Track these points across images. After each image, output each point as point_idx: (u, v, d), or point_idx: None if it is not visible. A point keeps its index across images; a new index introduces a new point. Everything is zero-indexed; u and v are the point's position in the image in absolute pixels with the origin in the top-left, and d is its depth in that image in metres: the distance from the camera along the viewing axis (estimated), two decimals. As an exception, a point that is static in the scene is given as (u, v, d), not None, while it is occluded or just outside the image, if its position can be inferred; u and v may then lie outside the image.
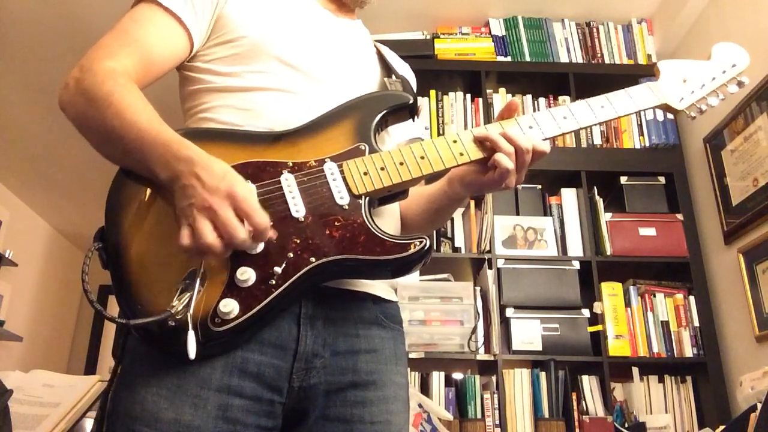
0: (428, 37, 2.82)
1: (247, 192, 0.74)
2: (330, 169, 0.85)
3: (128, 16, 0.92)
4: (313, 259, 0.79)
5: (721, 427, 1.72)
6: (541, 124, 0.93)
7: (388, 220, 0.96)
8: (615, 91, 0.98)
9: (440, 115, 2.71)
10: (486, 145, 0.90)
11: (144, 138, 0.78)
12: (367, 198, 0.84)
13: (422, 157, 0.88)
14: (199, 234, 0.72)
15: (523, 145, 0.89)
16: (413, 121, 1.00)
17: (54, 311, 4.98)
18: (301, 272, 0.78)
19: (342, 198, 0.83)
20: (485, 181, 0.92)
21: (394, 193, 0.89)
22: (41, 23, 2.81)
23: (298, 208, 0.81)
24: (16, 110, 3.43)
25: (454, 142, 0.90)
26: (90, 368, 4.95)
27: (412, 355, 2.27)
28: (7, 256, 4.00)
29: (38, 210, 4.74)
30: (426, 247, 0.80)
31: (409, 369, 2.26)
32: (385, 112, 0.92)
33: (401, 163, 0.87)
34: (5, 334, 3.98)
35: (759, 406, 1.43)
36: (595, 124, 0.96)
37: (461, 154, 0.90)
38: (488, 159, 0.90)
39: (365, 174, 0.85)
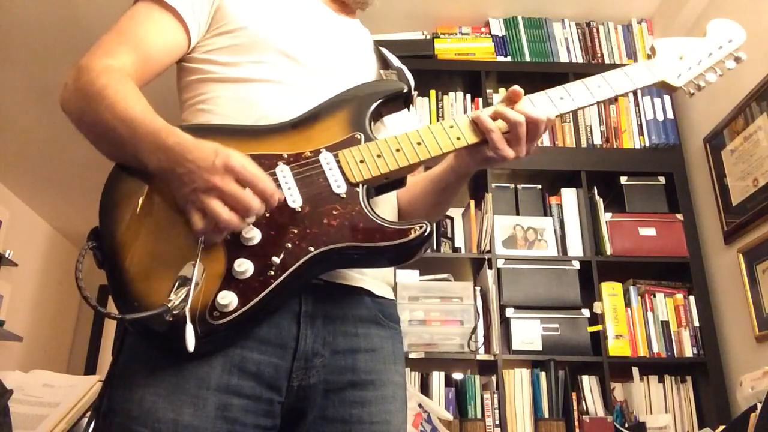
0: (428, 37, 2.82)
1: (244, 161, 0.74)
2: (326, 158, 0.84)
3: (126, 15, 0.93)
4: (311, 249, 0.78)
5: (721, 427, 1.72)
6: (537, 105, 0.92)
7: (386, 209, 0.95)
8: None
9: (440, 115, 2.71)
10: (479, 127, 0.89)
11: (136, 129, 0.79)
12: (365, 186, 0.84)
13: (419, 143, 0.88)
14: (214, 214, 0.72)
15: (513, 117, 0.87)
16: (408, 110, 1.00)
17: (54, 311, 4.98)
18: (300, 262, 0.77)
19: (339, 187, 0.82)
20: (491, 156, 0.90)
21: (392, 182, 0.88)
22: (42, 24, 2.81)
23: (294, 198, 0.81)
24: (17, 110, 3.43)
25: (451, 127, 0.90)
26: (90, 368, 4.95)
27: (412, 355, 2.26)
28: (7, 256, 4.00)
29: (38, 210, 4.74)
30: (426, 232, 0.79)
31: (409, 369, 2.29)
32: (380, 101, 0.92)
33: (398, 150, 0.86)
34: (5, 334, 3.98)
35: (759, 406, 1.43)
36: (593, 104, 0.94)
37: (458, 139, 0.89)
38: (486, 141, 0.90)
39: (362, 162, 0.85)
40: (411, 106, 0.99)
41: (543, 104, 0.92)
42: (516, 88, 0.92)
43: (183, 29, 0.93)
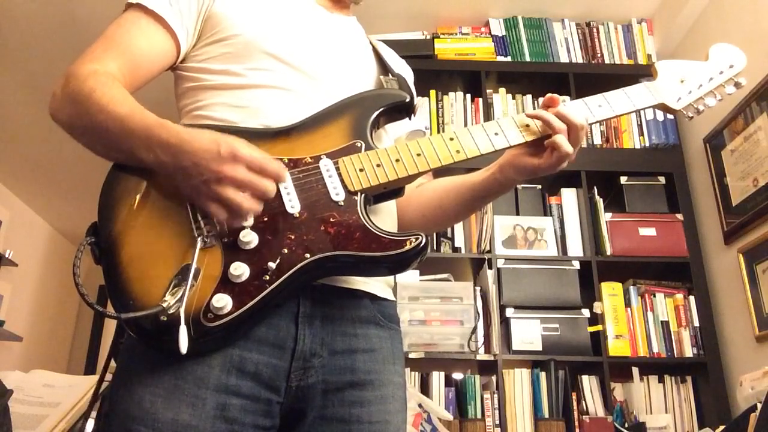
0: (428, 37, 2.82)
1: (248, 147, 0.76)
2: (325, 165, 0.85)
3: (114, 23, 0.94)
4: (307, 255, 0.78)
5: (721, 427, 1.72)
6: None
7: (385, 218, 0.95)
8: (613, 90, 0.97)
9: (440, 115, 2.71)
10: (530, 129, 0.91)
11: (127, 127, 0.79)
12: (363, 195, 0.84)
13: (418, 155, 0.88)
14: (234, 203, 0.74)
15: (577, 121, 0.89)
16: (409, 119, 1.00)
17: (54, 311, 4.99)
18: (296, 268, 0.78)
19: (337, 194, 0.83)
20: (541, 165, 0.91)
21: (390, 191, 0.89)
22: (41, 23, 2.81)
23: (292, 204, 0.81)
24: (16, 110, 3.43)
25: (451, 139, 0.91)
26: (90, 368, 4.96)
27: (412, 355, 2.26)
28: (7, 256, 4.01)
29: (38, 210, 4.74)
30: (422, 244, 0.80)
31: (409, 369, 2.29)
32: (381, 110, 0.92)
33: (397, 160, 0.87)
34: (5, 334, 3.98)
35: (759, 406, 1.43)
36: (593, 123, 0.95)
37: (458, 152, 0.90)
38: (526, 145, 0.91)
39: (361, 170, 0.85)
40: (413, 115, 0.99)
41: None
42: (554, 95, 0.92)
43: (171, 36, 0.93)
